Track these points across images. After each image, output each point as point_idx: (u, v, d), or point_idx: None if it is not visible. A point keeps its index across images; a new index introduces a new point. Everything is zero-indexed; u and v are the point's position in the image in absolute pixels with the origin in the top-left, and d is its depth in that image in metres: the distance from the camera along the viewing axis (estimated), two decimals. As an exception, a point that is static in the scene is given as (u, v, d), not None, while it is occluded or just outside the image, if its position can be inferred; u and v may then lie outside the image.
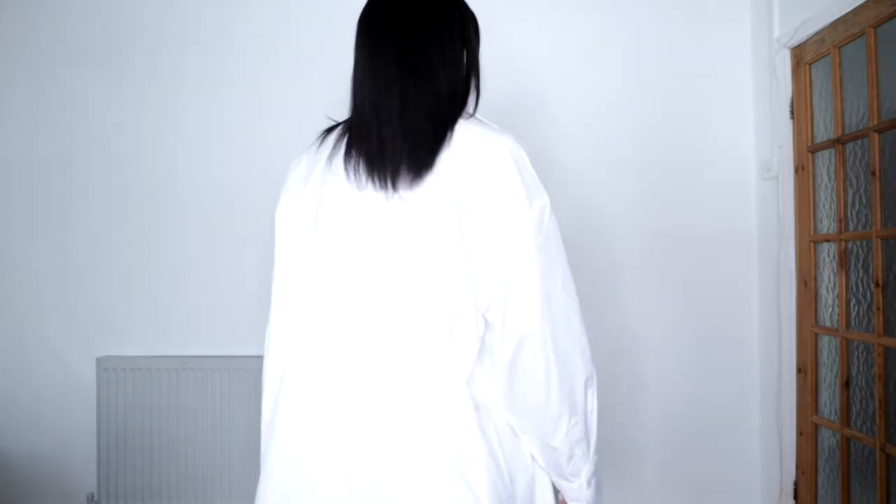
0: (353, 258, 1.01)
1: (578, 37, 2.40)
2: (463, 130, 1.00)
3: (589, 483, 1.07)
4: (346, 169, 1.02)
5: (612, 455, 2.37)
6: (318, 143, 1.12)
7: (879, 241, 1.81)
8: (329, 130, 1.12)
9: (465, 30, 1.08)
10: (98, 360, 2.37)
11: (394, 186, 0.98)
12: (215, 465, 2.33)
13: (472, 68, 1.09)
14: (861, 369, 1.92)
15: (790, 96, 2.18)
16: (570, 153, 2.37)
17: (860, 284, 1.92)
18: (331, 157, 1.05)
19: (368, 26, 1.07)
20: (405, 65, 1.02)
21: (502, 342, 0.98)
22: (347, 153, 1.03)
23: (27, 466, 2.41)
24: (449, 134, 0.99)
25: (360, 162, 1.01)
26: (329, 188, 1.04)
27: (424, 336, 0.96)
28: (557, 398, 1.00)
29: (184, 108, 2.43)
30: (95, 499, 2.36)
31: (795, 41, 2.11)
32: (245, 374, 2.33)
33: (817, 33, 2.02)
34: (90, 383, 2.38)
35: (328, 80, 2.35)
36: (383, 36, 1.04)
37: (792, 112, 2.17)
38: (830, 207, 2.05)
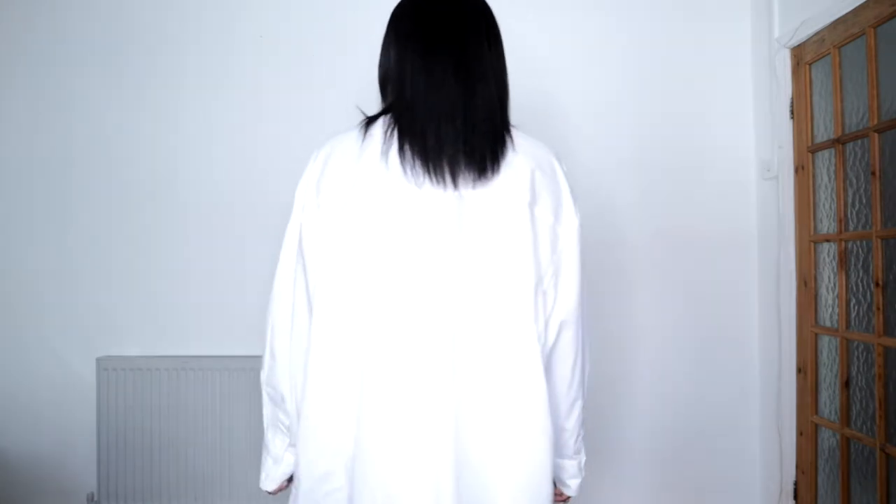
0: (431, 255, 1.01)
1: (578, 37, 2.40)
2: (517, 136, 1.07)
3: (584, 460, 1.19)
4: (402, 165, 1.01)
5: (612, 454, 2.37)
6: (360, 134, 1.06)
7: (879, 241, 1.81)
8: (369, 122, 1.08)
9: (501, 44, 1.14)
10: (98, 360, 2.37)
11: (454, 184, 1.01)
12: (215, 465, 2.33)
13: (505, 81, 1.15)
14: (861, 369, 1.92)
15: (790, 96, 2.18)
16: (569, 153, 2.36)
17: (860, 284, 1.92)
18: (384, 152, 1.03)
19: (418, 24, 1.07)
20: (464, 67, 1.04)
21: (546, 329, 1.07)
22: (401, 149, 1.02)
23: (27, 466, 2.41)
24: (508, 138, 1.05)
25: (416, 159, 1.01)
26: (386, 184, 1.02)
27: (520, 328, 1.03)
28: (577, 384, 1.13)
29: (184, 108, 2.43)
30: (95, 499, 2.36)
31: (795, 41, 2.11)
32: (245, 374, 2.32)
33: (817, 33, 2.02)
34: (90, 383, 2.37)
35: (328, 80, 2.37)
36: (440, 36, 1.06)
37: (792, 112, 2.17)
38: (830, 207, 2.05)
